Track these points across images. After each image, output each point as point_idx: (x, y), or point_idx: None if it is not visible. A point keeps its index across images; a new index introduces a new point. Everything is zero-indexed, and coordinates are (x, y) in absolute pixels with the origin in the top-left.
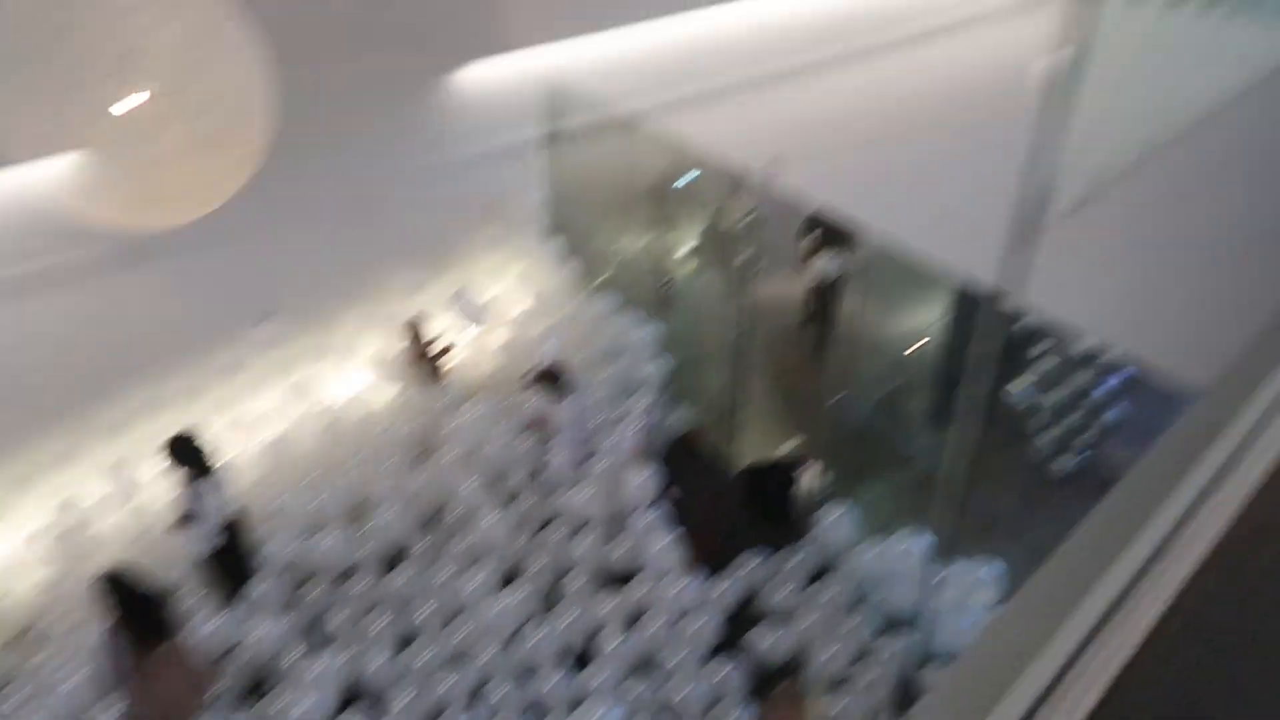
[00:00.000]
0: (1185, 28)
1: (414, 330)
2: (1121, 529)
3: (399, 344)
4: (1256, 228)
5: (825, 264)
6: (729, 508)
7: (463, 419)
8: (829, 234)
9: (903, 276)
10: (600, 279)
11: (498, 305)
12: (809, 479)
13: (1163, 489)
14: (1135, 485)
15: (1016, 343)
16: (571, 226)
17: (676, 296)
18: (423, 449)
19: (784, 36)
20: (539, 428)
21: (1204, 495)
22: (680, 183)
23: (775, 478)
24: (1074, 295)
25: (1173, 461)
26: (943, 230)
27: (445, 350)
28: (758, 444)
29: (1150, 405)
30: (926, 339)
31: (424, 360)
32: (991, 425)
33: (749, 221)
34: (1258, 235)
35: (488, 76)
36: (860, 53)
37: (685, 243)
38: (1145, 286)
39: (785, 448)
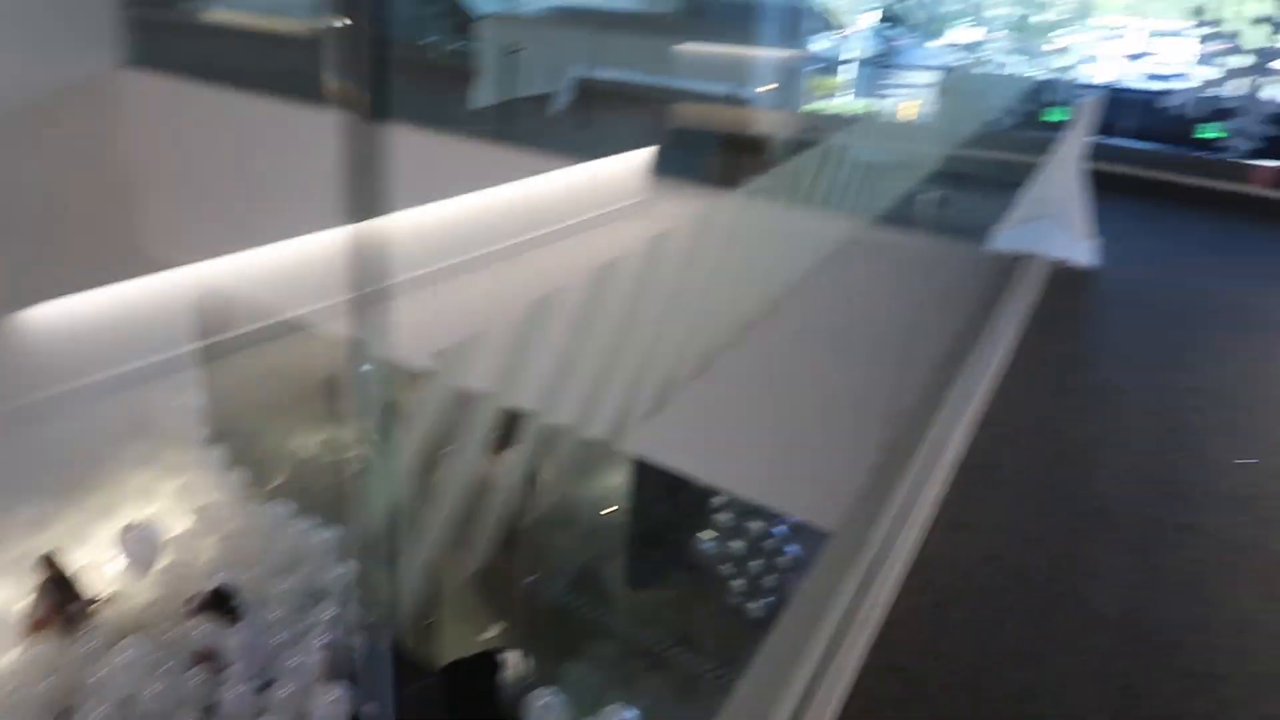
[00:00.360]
0: (765, 216)
1: (48, 570)
2: (780, 671)
3: (28, 588)
4: (849, 385)
5: (515, 455)
6: (432, 712)
7: (112, 665)
8: (512, 426)
9: (585, 452)
10: (272, 484)
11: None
12: (512, 668)
13: (810, 625)
14: (788, 626)
15: (696, 500)
16: (236, 433)
17: (359, 493)
18: (63, 709)
19: (444, 237)
20: (208, 660)
21: (842, 628)
22: (354, 375)
23: (478, 672)
24: (709, 458)
25: (816, 599)
26: (595, 406)
27: (91, 601)
28: (457, 639)
29: (816, 546)
30: (615, 507)
31: (60, 603)
32: (690, 575)
33: (427, 412)
34: (850, 391)
35: (138, 294)
36: (517, 248)
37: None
38: (766, 447)
39: (485, 639)
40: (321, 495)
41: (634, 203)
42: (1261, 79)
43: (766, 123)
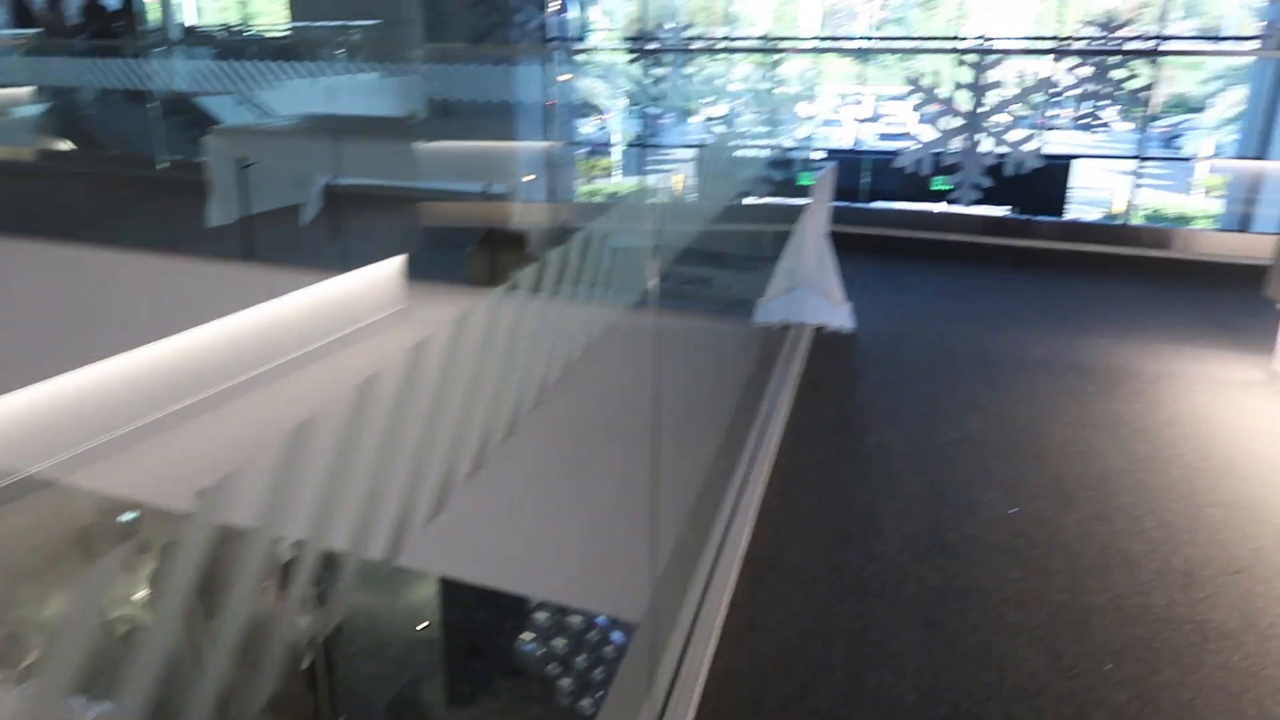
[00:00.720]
0: (527, 310)
1: None
2: None
3: None
4: (628, 473)
5: (296, 588)
6: None
7: None
8: (291, 558)
9: (376, 572)
10: (25, 662)
11: None
12: None
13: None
14: None
15: (511, 601)
16: None
17: (135, 656)
18: None
19: (191, 370)
20: None
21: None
22: (118, 523)
23: None
24: (498, 562)
25: (628, 693)
26: (371, 524)
27: None
28: None
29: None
30: (426, 622)
31: None
32: (516, 682)
33: (197, 556)
34: (631, 479)
35: None
36: (271, 375)
37: (136, 592)
38: (553, 543)
39: None
40: (84, 665)
41: (392, 312)
42: (977, 135)
43: (529, 215)
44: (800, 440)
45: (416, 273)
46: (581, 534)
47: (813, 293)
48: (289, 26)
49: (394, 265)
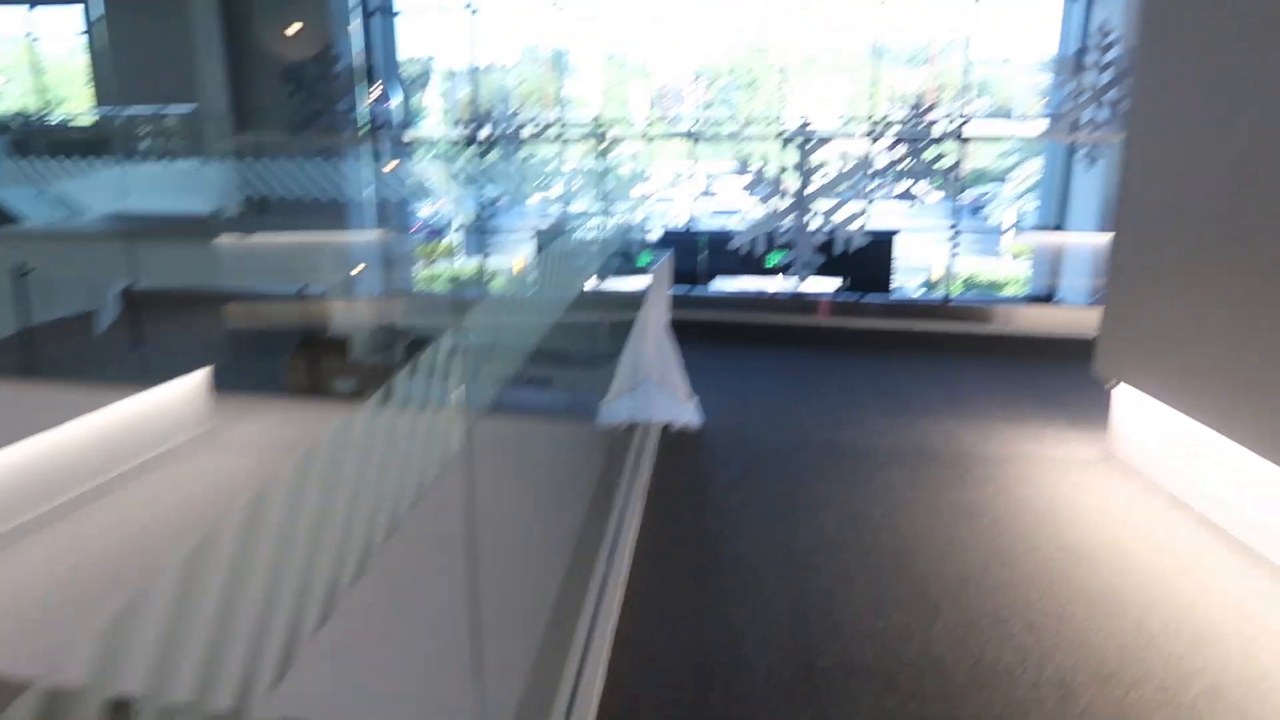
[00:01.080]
0: (372, 427)
1: None
2: None
3: None
4: (474, 602)
5: None
6: None
7: None
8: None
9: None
10: None
11: None
12: None
13: None
14: None
15: None
16: None
17: None
18: None
19: None
20: None
21: None
22: None
23: None
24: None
25: None
26: (214, 674)
27: None
28: None
29: None
30: None
31: None
32: None
33: None
34: (484, 606)
35: None
36: (60, 510)
37: None
38: (404, 680)
39: None
40: None
41: (198, 433)
42: (806, 215)
43: (353, 314)
44: (654, 557)
45: (225, 384)
46: (425, 674)
47: (657, 389)
48: (95, 113)
49: (199, 378)
